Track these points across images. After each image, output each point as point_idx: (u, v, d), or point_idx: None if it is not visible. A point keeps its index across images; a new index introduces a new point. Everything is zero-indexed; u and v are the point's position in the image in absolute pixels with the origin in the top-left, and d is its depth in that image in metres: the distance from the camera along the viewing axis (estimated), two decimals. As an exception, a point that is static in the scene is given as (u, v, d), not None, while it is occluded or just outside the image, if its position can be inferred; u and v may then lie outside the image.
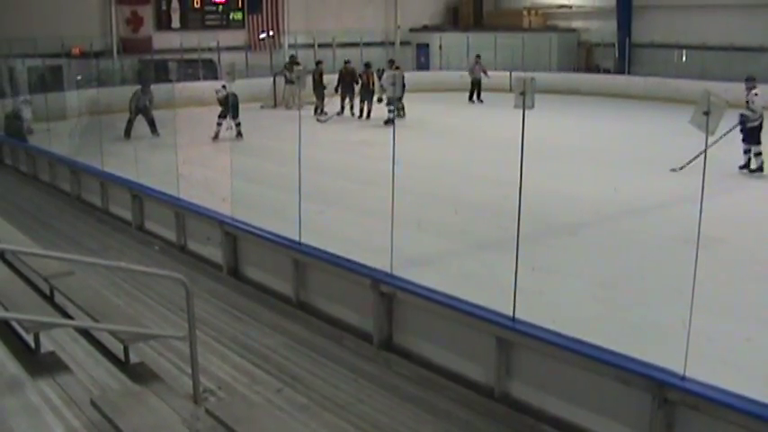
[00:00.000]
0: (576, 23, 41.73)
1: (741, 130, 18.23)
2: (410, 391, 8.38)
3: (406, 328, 9.21)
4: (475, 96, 34.79)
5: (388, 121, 26.87)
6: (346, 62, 30.84)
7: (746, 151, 18.50)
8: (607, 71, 38.87)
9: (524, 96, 8.00)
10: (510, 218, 8.40)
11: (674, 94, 30.01)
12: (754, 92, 18.41)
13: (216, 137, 24.57)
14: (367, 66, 30.01)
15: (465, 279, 10.82)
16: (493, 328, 8.03)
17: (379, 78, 28.45)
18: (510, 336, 7.90)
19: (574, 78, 37.67)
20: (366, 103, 29.38)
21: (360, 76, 29.67)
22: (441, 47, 42.06)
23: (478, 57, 35.96)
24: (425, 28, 44.32)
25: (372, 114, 28.79)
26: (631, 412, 6.96)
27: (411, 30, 44.13)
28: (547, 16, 42.88)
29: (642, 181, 17.72)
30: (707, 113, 6.81)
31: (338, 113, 29.75)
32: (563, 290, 10.90)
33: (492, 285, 9.48)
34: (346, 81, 30.01)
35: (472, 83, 34.74)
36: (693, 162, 15.39)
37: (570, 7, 41.43)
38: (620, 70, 37.59)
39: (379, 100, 28.33)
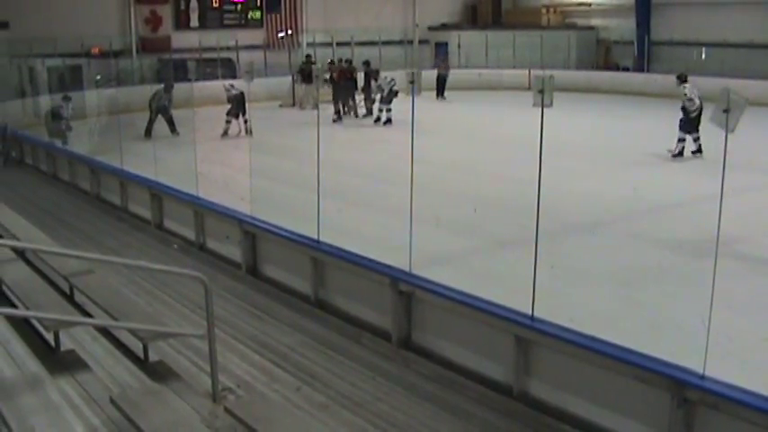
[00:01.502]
0: (594, 21, 41.59)
1: (681, 120, 20.11)
2: (429, 389, 8.37)
3: (424, 326, 9.20)
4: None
5: (387, 122, 27.34)
6: (346, 60, 31.13)
7: (681, 140, 20.08)
8: (626, 69, 38.74)
9: (543, 95, 7.97)
10: (528, 216, 8.38)
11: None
12: (685, 85, 20.31)
13: (225, 134, 24.70)
14: (366, 64, 30.64)
15: (483, 277, 10.81)
16: (512, 327, 8.01)
17: (375, 80, 28.57)
18: (529, 334, 7.88)
19: (592, 76, 37.57)
20: (368, 101, 29.60)
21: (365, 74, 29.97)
22: (459, 45, 42.00)
23: (445, 55, 37.90)
24: (444, 26, 44.26)
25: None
26: (650, 411, 6.93)
27: (430, 28, 44.08)
28: (565, 14, 42.78)
29: (661, 179, 17.67)
30: (727, 111, 6.78)
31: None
32: (582, 288, 10.87)
33: (511, 283, 9.46)
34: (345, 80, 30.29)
35: (437, 79, 35.25)
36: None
37: (589, 5, 41.30)
38: (638, 68, 37.46)
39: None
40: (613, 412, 7.23)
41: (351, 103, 29.75)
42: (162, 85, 26.44)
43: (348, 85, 29.59)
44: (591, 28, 41.61)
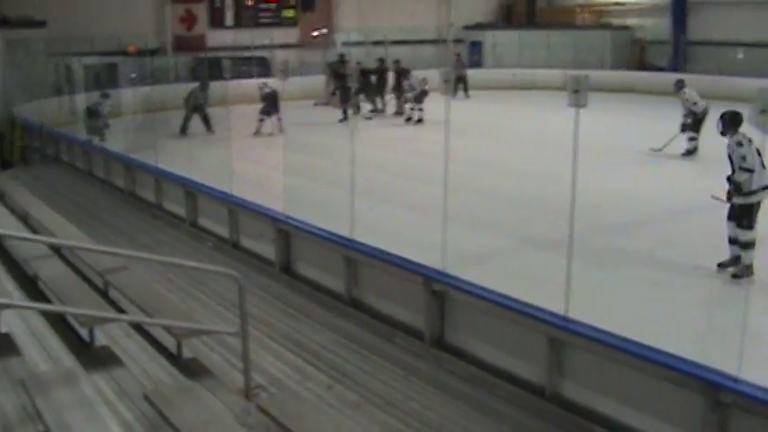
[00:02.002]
0: (629, 20, 41.29)
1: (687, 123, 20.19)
2: (461, 389, 8.35)
3: (457, 325, 9.18)
4: (461, 91, 35.13)
5: (419, 120, 27.30)
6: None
7: (693, 138, 20.17)
8: (661, 69, 38.42)
9: (578, 94, 7.94)
10: (563, 216, 8.34)
11: (730, 92, 29.53)
12: (684, 90, 20.42)
13: (257, 132, 24.76)
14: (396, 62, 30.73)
15: (517, 277, 10.76)
16: (545, 327, 7.98)
17: (407, 79, 28.58)
18: (562, 335, 7.85)
19: (627, 76, 37.30)
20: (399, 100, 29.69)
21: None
22: (494, 45, 41.90)
23: (458, 55, 37.43)
24: (479, 25, 44.15)
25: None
26: (684, 414, 6.88)
27: (464, 27, 43.98)
28: (600, 13, 42.53)
29: (698, 179, 17.53)
30: (765, 111, 6.72)
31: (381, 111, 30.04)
32: (616, 289, 10.80)
33: (544, 284, 9.41)
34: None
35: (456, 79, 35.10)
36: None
37: (624, 4, 41.04)
38: (674, 68, 37.07)
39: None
40: (646, 414, 7.18)
41: (354, 101, 29.82)
42: (197, 84, 26.58)
43: (345, 84, 29.66)
44: (626, 27, 41.32)
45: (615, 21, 41.84)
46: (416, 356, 9.10)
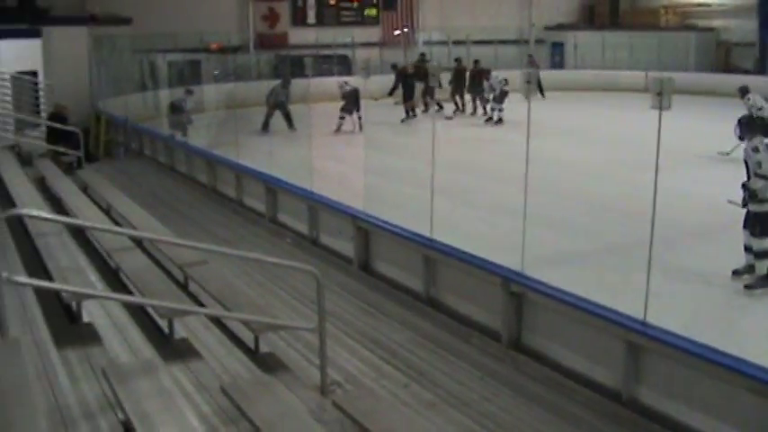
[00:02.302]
0: (715, 22, 40.53)
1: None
2: (536, 391, 8.27)
3: (534, 328, 9.10)
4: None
5: (499, 121, 27.30)
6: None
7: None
8: (747, 72, 37.67)
9: (661, 97, 7.82)
10: (643, 220, 8.22)
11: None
12: (749, 96, 20.61)
13: (338, 129, 24.90)
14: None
15: (596, 280, 10.64)
16: (623, 332, 7.86)
17: (487, 80, 28.46)
18: (640, 340, 7.72)
19: (711, 79, 36.61)
20: (480, 101, 29.61)
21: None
22: (575, 46, 41.56)
23: (530, 56, 38.00)
24: (560, 26, 43.84)
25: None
26: (766, 426, 6.73)
27: (546, 28, 43.70)
28: (685, 15, 41.83)
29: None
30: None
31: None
32: (696, 295, 10.63)
33: (623, 288, 9.30)
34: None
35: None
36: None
37: (709, 5, 40.29)
38: (760, 70, 36.29)
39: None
40: (726, 424, 7.02)
41: (423, 101, 29.71)
42: (279, 81, 26.79)
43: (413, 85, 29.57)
44: (711, 29, 40.58)
45: (700, 22, 41.12)
46: (493, 358, 9.04)
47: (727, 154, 19.53)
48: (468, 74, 30.21)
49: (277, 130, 24.94)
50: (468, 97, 30.16)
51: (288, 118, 25.63)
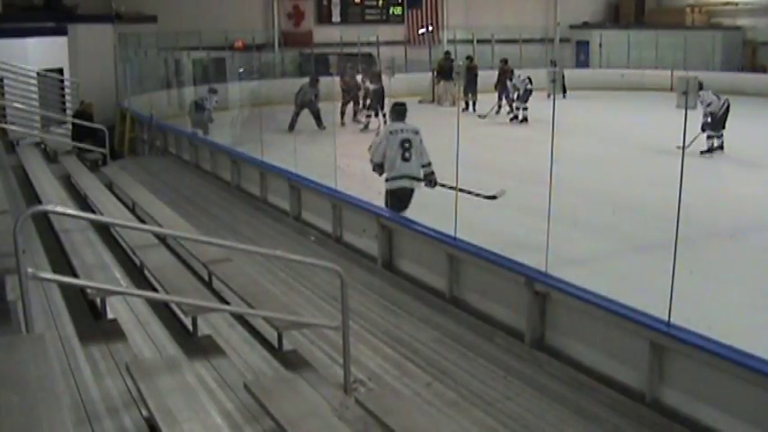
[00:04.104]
0: (741, 21, 40.33)
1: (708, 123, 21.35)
2: (560, 391, 8.23)
3: (558, 327, 9.06)
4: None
5: (524, 120, 27.57)
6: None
7: (711, 137, 21.31)
8: (774, 71, 37.59)
9: (687, 96, 7.78)
10: (669, 219, 8.15)
11: None
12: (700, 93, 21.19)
13: (364, 128, 24.98)
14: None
15: (620, 280, 10.59)
16: (647, 332, 7.80)
17: (510, 79, 28.46)
18: (664, 341, 7.67)
19: (738, 78, 36.41)
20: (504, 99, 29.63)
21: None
22: (601, 44, 41.44)
23: (553, 60, 38.33)
24: (585, 25, 43.73)
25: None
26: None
27: (571, 26, 43.61)
28: (711, 13, 41.64)
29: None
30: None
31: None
32: (722, 296, 10.57)
33: (647, 288, 9.25)
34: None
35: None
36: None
37: (736, 4, 40.11)
38: (788, 70, 36.29)
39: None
40: (752, 427, 6.97)
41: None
42: (307, 80, 26.87)
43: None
44: (737, 28, 40.38)
45: (726, 21, 40.92)
46: (516, 357, 9.01)
47: (687, 147, 20.20)
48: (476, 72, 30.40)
49: (301, 128, 24.99)
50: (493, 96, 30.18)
51: (317, 117, 25.73)
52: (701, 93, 20.95)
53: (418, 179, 12.22)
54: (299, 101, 25.95)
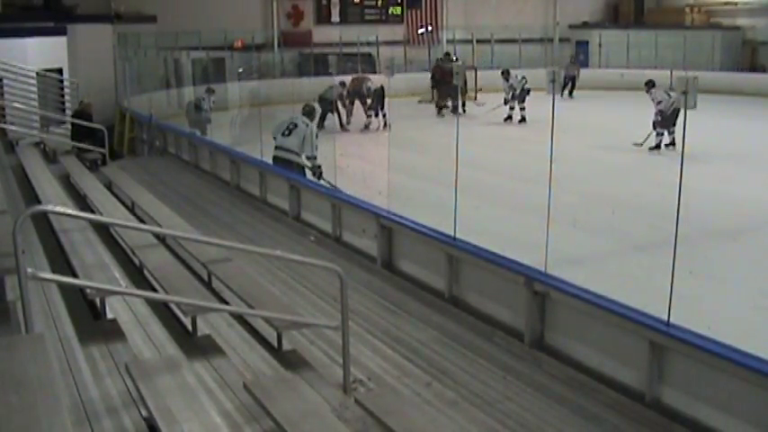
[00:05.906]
0: (740, 21, 40.32)
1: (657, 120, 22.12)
2: (559, 391, 8.23)
3: (558, 327, 9.06)
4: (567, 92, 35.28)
5: (522, 120, 27.62)
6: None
7: (660, 134, 22.00)
8: (773, 70, 37.60)
9: (686, 96, 7.77)
10: (668, 219, 8.16)
11: None
12: (652, 90, 22.92)
13: (366, 127, 25.04)
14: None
15: (619, 280, 10.60)
16: (646, 332, 7.80)
17: (506, 80, 28.44)
18: (664, 340, 7.66)
19: (737, 78, 36.45)
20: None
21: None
22: (600, 44, 41.45)
23: (572, 56, 38.70)
24: (585, 25, 43.74)
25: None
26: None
27: (570, 26, 43.62)
28: (710, 13, 41.63)
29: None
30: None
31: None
32: (721, 296, 10.58)
33: (646, 288, 9.25)
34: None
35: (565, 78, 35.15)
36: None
37: (735, 4, 40.10)
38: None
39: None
40: (752, 427, 6.98)
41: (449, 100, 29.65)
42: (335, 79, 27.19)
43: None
44: (737, 28, 40.38)
45: (726, 21, 40.92)
46: (516, 357, 9.00)
47: (640, 145, 22.05)
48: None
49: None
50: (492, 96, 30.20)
51: (323, 118, 25.75)
52: (652, 90, 22.52)
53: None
54: (334, 98, 26.22)
